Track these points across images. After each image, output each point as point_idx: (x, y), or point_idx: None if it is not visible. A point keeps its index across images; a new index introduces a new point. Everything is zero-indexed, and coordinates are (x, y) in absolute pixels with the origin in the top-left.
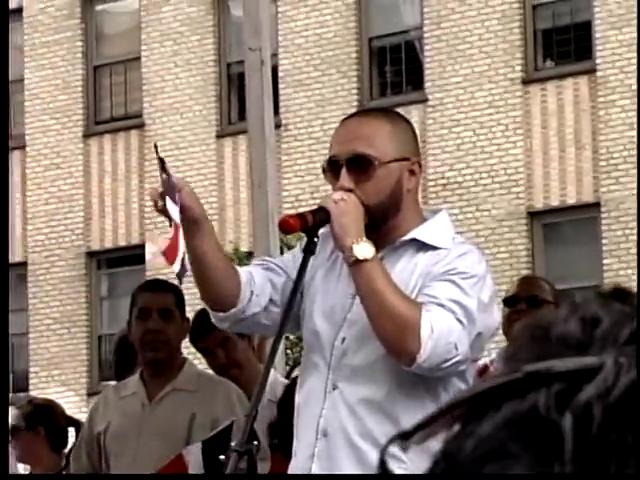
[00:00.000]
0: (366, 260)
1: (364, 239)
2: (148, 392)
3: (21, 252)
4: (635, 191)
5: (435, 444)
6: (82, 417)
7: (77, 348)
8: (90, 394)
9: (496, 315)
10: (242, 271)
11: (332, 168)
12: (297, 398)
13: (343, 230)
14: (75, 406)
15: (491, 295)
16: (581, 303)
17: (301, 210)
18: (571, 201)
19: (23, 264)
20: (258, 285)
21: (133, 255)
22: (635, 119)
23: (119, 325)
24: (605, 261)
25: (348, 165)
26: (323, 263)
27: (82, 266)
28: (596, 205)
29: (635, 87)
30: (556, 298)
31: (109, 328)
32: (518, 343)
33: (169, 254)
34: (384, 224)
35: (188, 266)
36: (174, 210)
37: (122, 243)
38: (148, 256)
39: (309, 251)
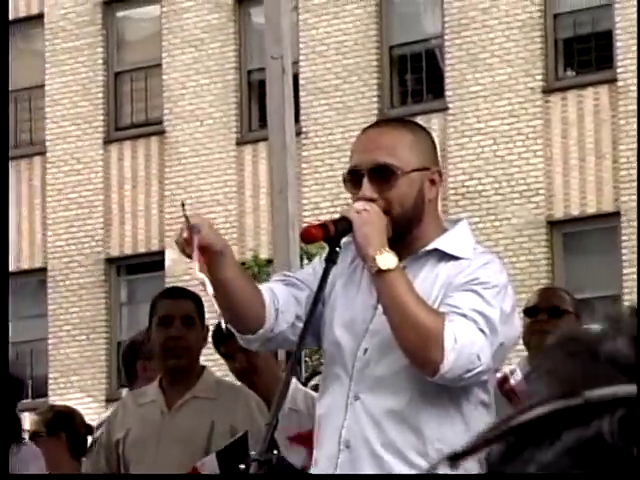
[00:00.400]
0: (389, 270)
1: (387, 249)
2: (167, 400)
3: (41, 258)
4: None
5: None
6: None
7: (96, 354)
8: (109, 400)
9: (517, 325)
10: (265, 290)
11: (353, 178)
12: (318, 409)
13: (366, 240)
14: (94, 412)
15: (512, 305)
16: (620, 319)
17: (321, 218)
18: (591, 210)
19: (43, 270)
20: (282, 302)
21: (152, 262)
22: None
23: (138, 331)
24: (625, 270)
25: (370, 175)
26: (343, 273)
27: (101, 272)
28: (616, 214)
29: None
30: (576, 308)
31: (128, 334)
32: (554, 358)
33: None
34: (407, 234)
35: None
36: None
37: (142, 249)
38: (168, 262)
39: (331, 261)
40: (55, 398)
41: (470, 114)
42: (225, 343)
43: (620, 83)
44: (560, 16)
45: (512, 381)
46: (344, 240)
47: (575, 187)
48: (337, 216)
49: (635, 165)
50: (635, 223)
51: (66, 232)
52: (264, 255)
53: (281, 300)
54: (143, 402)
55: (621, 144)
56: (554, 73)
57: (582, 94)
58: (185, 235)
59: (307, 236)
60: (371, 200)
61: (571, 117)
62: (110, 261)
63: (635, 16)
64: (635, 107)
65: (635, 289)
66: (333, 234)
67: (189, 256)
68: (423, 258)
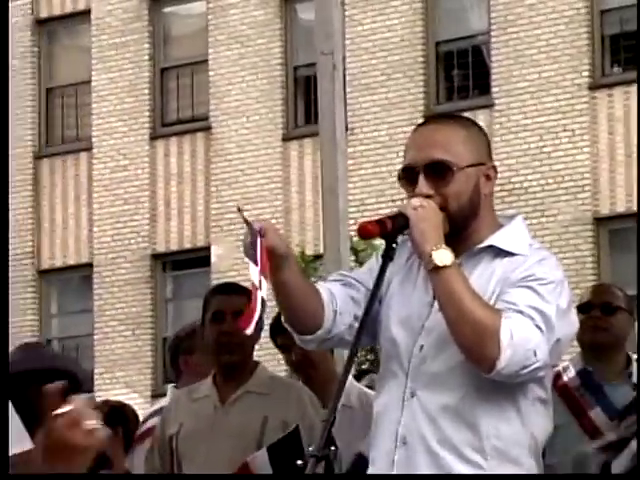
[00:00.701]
0: (445, 266)
1: (443, 245)
2: (221, 395)
3: (87, 254)
4: None
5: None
6: None
7: (142, 350)
8: (154, 396)
9: (574, 321)
10: (323, 290)
11: (408, 175)
12: (375, 406)
13: (422, 236)
14: (139, 408)
15: (569, 301)
16: None
17: (366, 215)
18: (637, 207)
19: (89, 265)
20: (340, 304)
21: (198, 257)
22: None
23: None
24: None
25: (426, 171)
26: (399, 270)
27: (147, 268)
28: None
29: None
30: (629, 305)
31: (174, 330)
32: None
33: (244, 320)
34: (464, 230)
35: (263, 324)
36: (254, 271)
37: (187, 245)
38: (213, 258)
39: (388, 257)
40: (101, 394)
41: (516, 110)
42: (282, 335)
43: None
44: (607, 12)
45: (565, 378)
46: (400, 238)
47: (621, 184)
48: (393, 212)
49: None
50: None
51: (112, 228)
52: (310, 251)
53: (339, 301)
54: (197, 397)
55: None
56: (600, 69)
57: (628, 90)
58: (249, 239)
59: (364, 232)
60: (427, 196)
61: (617, 113)
62: (156, 257)
63: None
64: None
65: None
66: (390, 230)
67: (254, 260)
68: (479, 255)
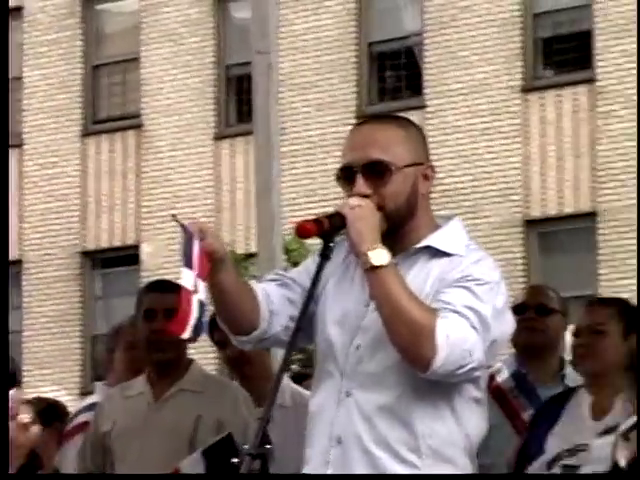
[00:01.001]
0: (382, 266)
1: (380, 245)
2: (154, 392)
3: (16, 250)
4: (633, 202)
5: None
6: None
7: (71, 347)
8: (83, 394)
9: (510, 322)
10: (259, 290)
11: (346, 175)
12: (310, 406)
13: (359, 236)
14: (68, 406)
15: (505, 302)
16: None
17: (298, 214)
18: (568, 210)
19: (18, 262)
20: (276, 304)
21: (128, 255)
22: (634, 129)
23: (113, 324)
24: (601, 271)
25: (364, 171)
26: (336, 270)
27: (77, 265)
28: (593, 214)
29: (635, 97)
30: (563, 307)
31: (103, 328)
32: None
33: (178, 324)
34: (400, 229)
35: (204, 326)
36: (188, 275)
37: (117, 243)
38: (143, 256)
39: (325, 256)
40: (29, 391)
41: (449, 112)
42: (219, 331)
43: (599, 83)
44: (540, 15)
45: (498, 379)
46: (338, 238)
47: (552, 186)
48: (331, 211)
49: (613, 165)
50: (611, 223)
51: (42, 224)
52: (241, 250)
53: (275, 301)
54: (130, 394)
55: (599, 144)
56: (533, 72)
57: (561, 93)
58: (183, 242)
59: (301, 231)
60: (365, 196)
61: (549, 116)
62: (86, 254)
63: (615, 16)
64: (614, 107)
65: (611, 289)
66: (327, 229)
67: (189, 264)
68: (416, 255)
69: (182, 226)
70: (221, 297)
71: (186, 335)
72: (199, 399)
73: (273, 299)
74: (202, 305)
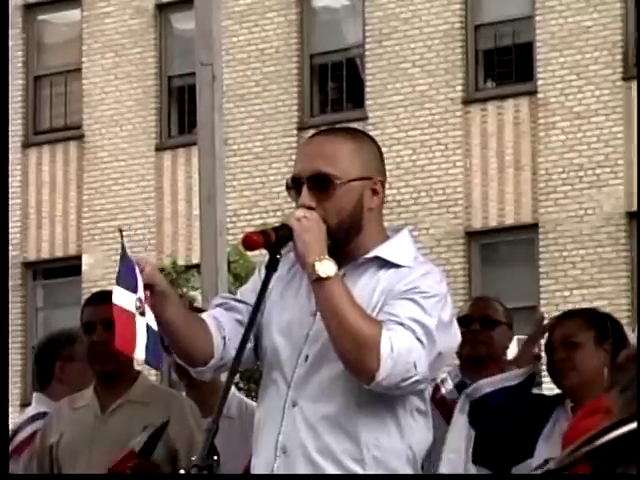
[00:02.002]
0: (328, 278)
1: (326, 256)
2: (101, 404)
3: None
4: (574, 213)
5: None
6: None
7: (12, 358)
8: (23, 405)
9: (456, 335)
10: (209, 319)
11: (295, 185)
12: (256, 415)
13: (305, 247)
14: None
15: (451, 315)
16: None
17: (239, 225)
18: (509, 222)
19: None
20: (228, 329)
21: (69, 266)
22: (574, 142)
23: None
24: (542, 282)
25: (309, 183)
26: (279, 281)
27: (18, 276)
28: (534, 226)
29: (576, 109)
30: (508, 318)
31: None
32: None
33: (125, 343)
34: (346, 243)
35: (160, 355)
36: (129, 298)
37: (59, 254)
38: (85, 267)
39: (272, 268)
40: None
41: (390, 124)
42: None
43: (540, 95)
44: (481, 27)
45: (443, 390)
46: (284, 250)
47: (494, 198)
48: (278, 223)
49: (554, 177)
50: (552, 235)
51: None
52: (182, 261)
53: (226, 327)
54: (78, 406)
55: (540, 156)
56: (474, 84)
57: (502, 105)
58: (124, 265)
59: (248, 243)
60: (310, 208)
61: (490, 128)
62: (27, 265)
63: (556, 28)
64: (555, 119)
65: (552, 301)
66: (274, 241)
67: (133, 287)
68: (363, 266)
69: (123, 247)
70: (171, 333)
71: (139, 357)
72: (145, 410)
73: (224, 325)
74: (150, 330)
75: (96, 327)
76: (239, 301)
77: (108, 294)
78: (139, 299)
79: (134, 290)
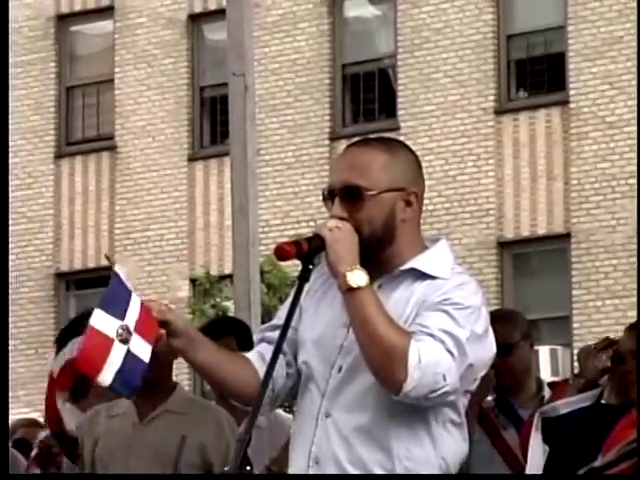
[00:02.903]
0: (359, 288)
1: (358, 267)
2: (139, 413)
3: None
4: (606, 223)
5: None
6: None
7: (44, 369)
8: None
9: (490, 347)
10: (254, 356)
11: (330, 196)
12: (292, 426)
13: (337, 257)
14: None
15: (485, 327)
16: None
17: (271, 236)
18: (541, 232)
19: None
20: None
21: (102, 277)
22: (607, 151)
23: None
24: (574, 292)
25: (341, 195)
26: (315, 292)
27: (51, 287)
28: (566, 236)
29: (609, 119)
30: (527, 332)
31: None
32: None
33: (88, 366)
34: (379, 254)
35: (135, 384)
36: (108, 322)
37: (91, 265)
38: None
39: (304, 279)
40: None
41: (422, 134)
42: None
43: (572, 105)
44: (513, 37)
45: (483, 403)
46: (317, 261)
47: (526, 208)
48: (310, 234)
49: (587, 187)
50: (585, 245)
51: (16, 246)
52: (214, 272)
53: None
54: (115, 414)
55: (572, 166)
56: (506, 94)
57: (534, 115)
58: (113, 287)
59: (280, 253)
60: (342, 218)
61: (523, 138)
62: (59, 276)
63: (589, 38)
64: (587, 129)
65: (584, 311)
66: (306, 251)
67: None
68: (399, 277)
69: (116, 274)
70: (206, 374)
71: (103, 381)
72: (183, 421)
73: (267, 357)
74: (130, 359)
75: None
76: (278, 327)
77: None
78: (124, 327)
79: (121, 317)
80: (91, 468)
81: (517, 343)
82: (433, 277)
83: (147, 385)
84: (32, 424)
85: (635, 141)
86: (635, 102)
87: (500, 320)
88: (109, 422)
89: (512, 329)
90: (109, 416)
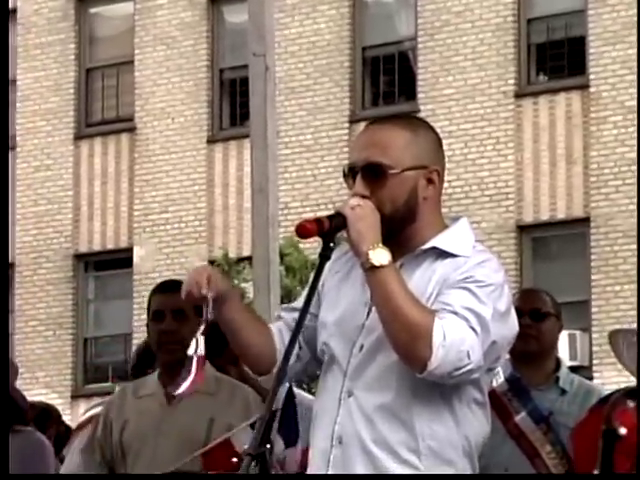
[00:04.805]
0: (382, 266)
1: (380, 245)
2: (166, 393)
3: (9, 253)
4: (626, 208)
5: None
6: (65, 420)
7: (62, 350)
8: (74, 397)
9: (513, 325)
10: (276, 332)
11: (351, 174)
12: (314, 407)
13: (359, 236)
14: (60, 409)
15: (508, 304)
16: None
17: (290, 218)
18: (561, 216)
19: (11, 265)
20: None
21: (121, 258)
22: (627, 136)
23: (105, 328)
24: (593, 277)
25: (363, 173)
26: (337, 273)
27: (69, 268)
28: (586, 220)
29: (628, 104)
30: (557, 309)
31: (95, 331)
32: None
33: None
34: (401, 232)
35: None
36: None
37: (110, 246)
38: (136, 260)
39: (325, 256)
40: None
41: (442, 117)
42: (218, 358)
43: (592, 89)
44: (533, 21)
45: (493, 383)
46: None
47: (545, 192)
48: (332, 212)
49: (606, 171)
50: (604, 229)
51: (35, 227)
52: (233, 254)
53: (287, 340)
54: (142, 394)
55: (592, 150)
56: (526, 77)
57: (554, 99)
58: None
59: (302, 231)
60: (364, 196)
61: (542, 122)
62: (78, 257)
63: (609, 22)
64: (607, 113)
65: (603, 295)
66: (327, 229)
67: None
68: (421, 256)
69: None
70: (234, 335)
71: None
72: (211, 402)
73: (285, 335)
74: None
75: (165, 316)
76: (296, 309)
77: (177, 283)
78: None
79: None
80: (119, 451)
81: (551, 315)
82: (454, 255)
83: (170, 365)
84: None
85: None
86: None
87: (537, 290)
88: (137, 403)
89: (548, 300)
90: (136, 397)
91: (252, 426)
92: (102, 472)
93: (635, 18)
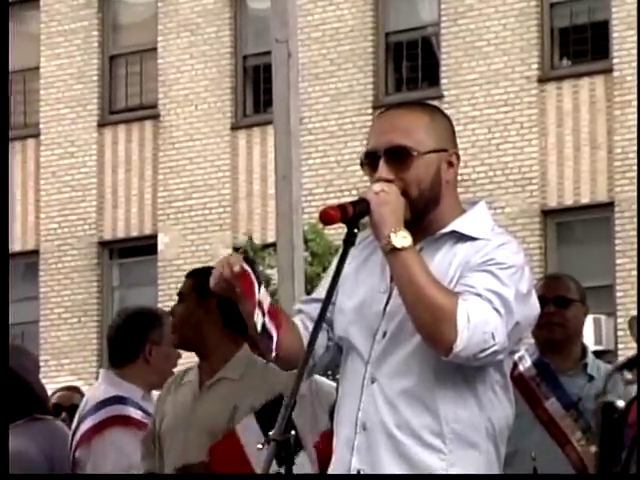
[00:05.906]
0: (403, 249)
1: (402, 229)
2: (201, 380)
3: (33, 240)
4: None
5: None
6: None
7: (87, 337)
8: None
9: (534, 306)
10: (299, 324)
11: (370, 161)
12: (338, 392)
13: (381, 219)
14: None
15: (529, 286)
16: None
17: (314, 205)
18: (585, 200)
19: (35, 252)
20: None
21: (145, 245)
22: None
23: None
24: (618, 261)
25: (386, 156)
26: (356, 260)
27: (94, 255)
28: (610, 205)
29: None
30: (582, 295)
31: None
32: None
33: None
34: (425, 216)
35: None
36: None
37: (134, 233)
38: (160, 247)
39: (349, 242)
40: (46, 381)
41: (465, 102)
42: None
43: (616, 74)
44: (556, 5)
45: (521, 367)
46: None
47: (569, 177)
48: (355, 198)
49: (630, 156)
50: (628, 214)
51: (59, 215)
52: (257, 240)
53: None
54: (185, 382)
55: (616, 134)
56: (550, 62)
57: (577, 84)
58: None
59: (325, 217)
60: (388, 181)
61: (566, 107)
62: (103, 244)
63: (633, 7)
64: (630, 97)
65: (628, 279)
66: (351, 215)
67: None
68: (441, 240)
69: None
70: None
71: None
72: (237, 388)
73: (308, 326)
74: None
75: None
76: (315, 301)
77: (197, 269)
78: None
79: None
80: (159, 444)
81: (575, 301)
82: (474, 238)
83: (206, 348)
84: (70, 389)
85: None
86: None
87: (561, 276)
88: (175, 394)
89: (573, 286)
90: (178, 385)
91: (257, 418)
92: (158, 462)
93: None
